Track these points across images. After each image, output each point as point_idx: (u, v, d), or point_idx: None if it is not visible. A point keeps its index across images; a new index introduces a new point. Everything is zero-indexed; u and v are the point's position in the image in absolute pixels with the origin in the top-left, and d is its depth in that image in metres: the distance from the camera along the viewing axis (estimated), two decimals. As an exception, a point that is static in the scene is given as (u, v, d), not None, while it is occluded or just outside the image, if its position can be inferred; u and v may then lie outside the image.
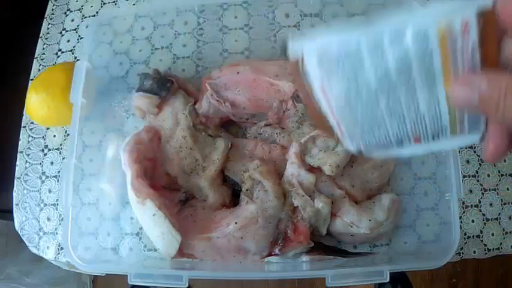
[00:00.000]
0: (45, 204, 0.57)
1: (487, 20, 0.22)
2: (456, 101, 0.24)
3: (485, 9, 0.22)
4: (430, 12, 0.23)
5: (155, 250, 0.52)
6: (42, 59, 0.63)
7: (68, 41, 0.64)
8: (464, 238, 0.53)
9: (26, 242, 0.56)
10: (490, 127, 0.25)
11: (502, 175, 0.55)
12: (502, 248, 0.53)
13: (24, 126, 0.60)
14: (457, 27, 0.22)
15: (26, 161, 0.59)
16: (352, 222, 0.47)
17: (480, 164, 0.56)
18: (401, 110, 0.26)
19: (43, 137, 0.60)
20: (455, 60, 0.23)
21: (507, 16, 0.22)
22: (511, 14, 0.22)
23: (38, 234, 0.56)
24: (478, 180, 0.55)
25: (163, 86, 0.52)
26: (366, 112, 0.27)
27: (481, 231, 0.54)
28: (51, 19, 0.65)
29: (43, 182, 0.58)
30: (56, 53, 0.63)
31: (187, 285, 0.43)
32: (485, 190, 0.55)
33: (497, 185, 0.55)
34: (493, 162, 0.26)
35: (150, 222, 0.46)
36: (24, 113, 0.59)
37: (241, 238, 0.46)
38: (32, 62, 0.63)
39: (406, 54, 0.24)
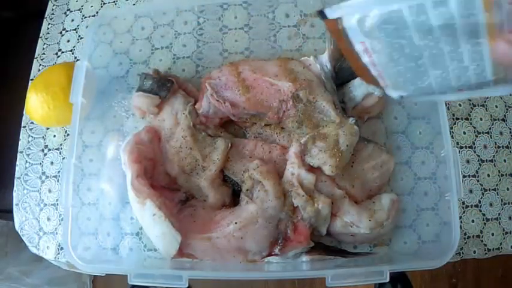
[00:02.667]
0: (45, 204, 0.57)
1: None
2: (499, 57, 0.25)
3: None
4: None
5: (155, 250, 0.52)
6: (42, 59, 0.63)
7: (68, 41, 0.64)
8: (464, 238, 0.53)
9: (26, 242, 0.57)
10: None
11: (502, 175, 0.55)
12: (502, 248, 0.53)
13: (24, 126, 0.60)
14: None
15: (26, 161, 0.59)
16: (352, 222, 0.47)
17: (480, 164, 0.56)
18: (444, 63, 0.27)
19: (43, 137, 0.60)
20: (501, 21, 0.24)
21: None
22: None
23: (38, 234, 0.56)
24: (478, 180, 0.55)
25: (163, 86, 0.52)
26: (409, 65, 0.28)
27: (481, 231, 0.54)
28: (51, 19, 0.65)
29: (43, 182, 0.58)
30: (56, 53, 0.63)
31: (187, 285, 0.43)
32: (485, 190, 0.55)
33: (497, 185, 0.55)
34: (500, 62, 0.26)
35: (150, 222, 0.46)
36: (24, 113, 0.59)
37: (241, 238, 0.46)
38: (32, 62, 0.63)
39: (451, 13, 0.24)
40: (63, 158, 0.58)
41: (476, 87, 0.28)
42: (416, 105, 0.55)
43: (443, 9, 0.24)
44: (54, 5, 0.66)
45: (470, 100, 0.58)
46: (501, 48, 0.24)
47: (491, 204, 0.54)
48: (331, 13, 0.28)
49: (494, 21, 0.24)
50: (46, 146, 0.59)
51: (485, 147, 0.56)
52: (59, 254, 0.55)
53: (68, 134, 0.59)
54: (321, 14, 0.29)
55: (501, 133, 0.57)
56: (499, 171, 0.55)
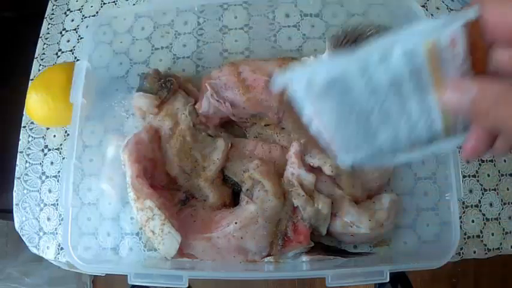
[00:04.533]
0: (45, 204, 0.57)
1: (474, 32, 0.23)
2: (448, 105, 0.25)
3: (471, 21, 0.23)
4: (417, 31, 0.23)
5: (155, 250, 0.52)
6: (42, 59, 0.63)
7: (68, 41, 0.64)
8: (464, 238, 0.53)
9: (26, 242, 0.56)
10: (474, 127, 0.26)
11: (502, 175, 0.55)
12: (502, 248, 0.53)
13: (24, 126, 0.60)
14: (444, 41, 0.23)
15: (26, 161, 0.59)
16: (352, 222, 0.47)
17: (480, 164, 0.56)
18: (393, 122, 0.27)
19: (43, 137, 0.60)
20: (446, 70, 0.24)
21: (492, 27, 0.23)
22: (495, 25, 0.23)
23: (38, 234, 0.56)
24: (478, 180, 0.55)
25: (163, 86, 0.52)
26: (358, 128, 0.28)
27: (481, 231, 0.54)
28: (51, 19, 0.65)
29: (43, 182, 0.58)
30: (56, 53, 0.63)
31: (187, 285, 0.43)
32: (485, 190, 0.55)
33: (497, 185, 0.55)
34: (470, 159, 0.27)
35: (150, 222, 0.46)
36: (24, 113, 0.59)
37: (241, 238, 0.46)
38: (32, 62, 0.63)
39: (394, 71, 0.24)
40: (63, 158, 0.58)
41: (428, 142, 0.28)
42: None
43: (386, 66, 0.24)
44: (54, 5, 0.66)
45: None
46: (449, 97, 0.24)
47: (491, 204, 0.54)
48: (279, 82, 0.28)
49: (439, 69, 0.24)
50: (46, 146, 0.59)
51: (485, 147, 0.56)
52: (59, 254, 0.55)
53: (68, 134, 0.59)
54: (272, 85, 0.29)
55: (501, 133, 0.57)
56: (499, 171, 0.55)
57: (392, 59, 0.24)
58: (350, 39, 0.50)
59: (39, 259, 0.57)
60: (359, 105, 0.27)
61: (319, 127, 0.29)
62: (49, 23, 0.65)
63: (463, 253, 0.53)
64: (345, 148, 0.31)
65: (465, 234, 0.53)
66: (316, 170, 0.49)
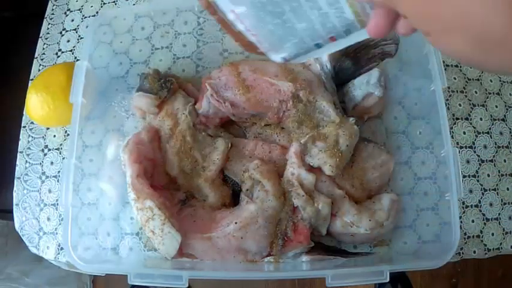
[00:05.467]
0: (45, 204, 0.57)
1: None
2: None
3: None
4: None
5: (155, 250, 0.52)
6: (42, 59, 0.63)
7: (68, 41, 0.64)
8: (464, 238, 0.53)
9: (26, 242, 0.56)
10: (375, 7, 0.26)
11: (502, 175, 0.55)
12: (502, 248, 0.53)
13: (24, 126, 0.60)
14: None
15: (26, 161, 0.59)
16: (352, 222, 0.47)
17: (480, 164, 0.56)
18: (306, 14, 0.28)
19: (43, 137, 0.60)
20: None
21: None
22: None
23: (38, 234, 0.56)
24: (478, 180, 0.55)
25: (163, 86, 0.52)
26: (276, 22, 0.29)
27: (481, 231, 0.54)
28: (51, 19, 0.65)
29: (43, 182, 0.58)
30: (56, 53, 0.63)
31: (187, 285, 0.43)
32: (485, 190, 0.55)
33: (497, 185, 0.55)
34: (376, 37, 0.28)
35: (150, 222, 0.46)
36: (24, 113, 0.59)
37: (242, 238, 0.46)
38: (32, 62, 0.63)
39: None
40: (63, 158, 0.58)
41: (346, 32, 0.29)
42: (417, 104, 0.55)
43: None
44: (54, 5, 0.66)
45: (470, 100, 0.58)
46: None
47: (491, 204, 0.54)
48: None
49: None
50: (46, 146, 0.59)
51: (485, 147, 0.56)
52: (59, 254, 0.55)
53: (68, 134, 0.59)
54: None
55: (501, 133, 0.57)
56: (499, 171, 0.55)
57: None
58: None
59: (39, 259, 0.57)
60: (270, 4, 0.28)
61: (244, 31, 0.31)
62: (49, 23, 0.65)
63: (463, 253, 0.53)
64: (272, 46, 0.32)
65: (465, 234, 0.53)
66: (316, 170, 0.49)
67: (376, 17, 0.26)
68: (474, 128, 0.57)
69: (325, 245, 0.50)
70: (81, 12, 0.65)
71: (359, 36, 0.29)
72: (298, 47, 0.31)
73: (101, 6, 0.65)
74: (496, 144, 0.56)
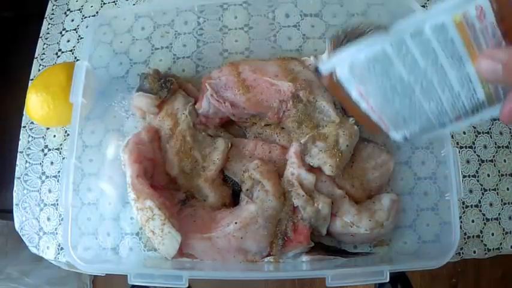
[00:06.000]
0: (45, 204, 0.57)
1: (502, 2, 0.24)
2: (483, 74, 0.26)
3: None
4: (445, 6, 0.25)
5: (155, 250, 0.52)
6: (42, 59, 0.63)
7: (68, 41, 0.64)
8: (464, 238, 0.53)
9: (26, 242, 0.56)
10: (510, 92, 0.27)
11: (502, 175, 0.55)
12: (502, 248, 0.53)
13: (24, 126, 0.60)
14: (472, 13, 0.24)
15: (26, 161, 0.59)
16: (352, 222, 0.47)
17: (480, 164, 0.56)
18: (436, 93, 0.29)
19: (43, 137, 0.60)
20: (478, 41, 0.26)
21: None
22: None
23: (38, 234, 0.56)
24: (478, 180, 0.55)
25: (163, 86, 0.52)
26: (404, 102, 0.30)
27: (481, 231, 0.54)
28: (51, 19, 0.65)
29: (43, 182, 0.58)
30: (56, 53, 0.63)
31: (187, 285, 0.43)
32: (485, 190, 0.55)
33: (497, 185, 0.55)
34: (508, 123, 0.29)
35: (150, 222, 0.46)
36: (24, 113, 0.59)
37: (241, 238, 0.46)
38: (32, 62, 0.63)
39: (427, 46, 0.26)
40: (63, 158, 0.58)
41: (473, 111, 0.30)
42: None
43: (418, 41, 0.26)
44: (54, 5, 0.66)
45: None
46: (483, 66, 0.26)
47: (491, 204, 0.54)
48: (325, 68, 0.30)
49: (471, 41, 0.26)
50: (46, 146, 0.59)
51: (485, 147, 0.56)
52: (59, 254, 0.55)
53: (68, 134, 0.59)
54: (317, 71, 0.32)
55: (501, 133, 0.57)
56: (499, 171, 0.55)
57: (423, 35, 0.26)
58: (350, 39, 0.50)
59: (39, 259, 0.57)
60: (401, 82, 0.28)
61: (367, 108, 0.31)
62: (49, 23, 0.65)
63: (463, 253, 0.53)
64: (394, 125, 0.32)
65: (465, 234, 0.53)
66: (316, 170, 0.49)
67: (510, 102, 0.26)
68: (474, 128, 0.57)
69: (325, 245, 0.50)
70: (81, 12, 0.65)
71: (487, 115, 0.30)
72: (421, 126, 0.32)
73: (101, 6, 0.65)
74: (496, 144, 0.56)
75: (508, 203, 0.55)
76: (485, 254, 0.53)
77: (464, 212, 0.54)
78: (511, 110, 0.27)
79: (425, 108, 0.30)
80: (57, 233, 0.56)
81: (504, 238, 0.54)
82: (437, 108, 0.29)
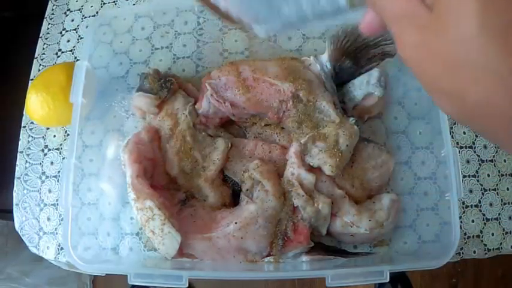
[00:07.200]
0: (45, 204, 0.57)
1: None
2: None
3: None
4: None
5: (155, 250, 0.52)
6: (42, 59, 0.63)
7: (68, 41, 0.64)
8: (464, 238, 0.53)
9: (26, 242, 0.56)
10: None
11: (502, 175, 0.55)
12: (502, 248, 0.53)
13: (24, 126, 0.60)
14: None
15: (26, 161, 0.59)
16: (352, 222, 0.47)
17: (480, 164, 0.56)
18: None
19: (43, 137, 0.60)
20: None
21: None
22: None
23: (38, 234, 0.56)
24: (478, 180, 0.55)
25: (163, 86, 0.52)
26: (261, 4, 0.29)
27: (481, 231, 0.54)
28: (51, 19, 0.65)
29: (43, 182, 0.58)
30: (56, 53, 0.63)
31: (187, 285, 0.43)
32: (485, 190, 0.55)
33: (497, 185, 0.55)
34: (366, 34, 0.28)
35: (150, 222, 0.46)
36: (24, 113, 0.59)
37: (241, 238, 0.46)
38: (32, 62, 0.63)
39: None
40: (63, 158, 0.58)
41: (333, 14, 0.29)
42: (417, 104, 0.55)
43: None
44: (54, 5, 0.66)
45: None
46: None
47: (491, 204, 0.54)
48: None
49: None
50: (46, 146, 0.59)
51: (485, 147, 0.56)
52: (59, 254, 0.55)
53: (68, 134, 0.59)
54: None
55: (501, 133, 0.56)
56: (499, 171, 0.55)
57: None
58: (350, 39, 0.50)
59: (39, 259, 0.57)
60: None
61: (226, 5, 0.31)
62: (49, 23, 0.65)
63: (463, 253, 0.53)
64: (255, 21, 0.32)
65: (465, 234, 0.53)
66: (316, 170, 0.49)
67: (369, 18, 0.26)
68: (474, 128, 0.56)
69: (325, 245, 0.50)
70: (81, 12, 0.65)
71: (348, 17, 0.28)
72: (282, 25, 0.31)
73: (101, 6, 0.65)
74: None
75: (508, 203, 0.55)
76: (485, 254, 0.53)
77: (464, 212, 0.54)
78: (370, 21, 0.26)
79: (283, 10, 0.29)
80: (57, 233, 0.56)
81: (504, 238, 0.54)
82: (296, 10, 0.29)
